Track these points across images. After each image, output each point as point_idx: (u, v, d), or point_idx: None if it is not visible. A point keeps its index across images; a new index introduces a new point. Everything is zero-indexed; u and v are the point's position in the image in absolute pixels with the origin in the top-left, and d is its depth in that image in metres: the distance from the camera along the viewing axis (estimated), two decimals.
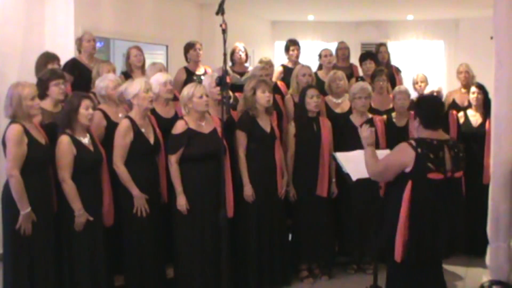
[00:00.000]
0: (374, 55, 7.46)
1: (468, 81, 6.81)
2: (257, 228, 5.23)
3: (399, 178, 3.86)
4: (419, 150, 3.78)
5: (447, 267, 5.66)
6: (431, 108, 3.98)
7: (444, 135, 3.96)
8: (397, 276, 4.01)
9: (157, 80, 5.25)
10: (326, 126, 5.61)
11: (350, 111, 5.92)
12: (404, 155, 3.83)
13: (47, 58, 5.72)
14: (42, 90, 4.73)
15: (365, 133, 4.19)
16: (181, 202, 4.80)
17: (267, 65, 6.57)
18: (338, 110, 6.06)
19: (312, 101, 5.49)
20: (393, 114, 6.00)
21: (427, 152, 3.78)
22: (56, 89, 4.87)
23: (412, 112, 6.01)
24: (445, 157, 3.82)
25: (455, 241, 3.97)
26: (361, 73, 7.30)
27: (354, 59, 7.69)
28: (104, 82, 5.06)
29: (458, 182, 3.97)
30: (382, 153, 4.28)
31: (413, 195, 3.77)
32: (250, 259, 5.25)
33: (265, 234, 5.27)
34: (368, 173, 4.14)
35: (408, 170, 3.80)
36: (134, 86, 4.81)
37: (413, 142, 3.85)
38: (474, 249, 5.92)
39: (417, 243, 3.77)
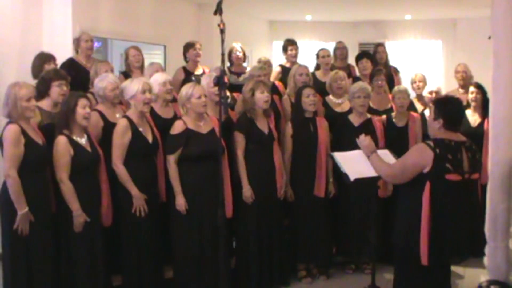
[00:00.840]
0: (370, 54, 7.46)
1: (465, 81, 6.82)
2: (256, 229, 5.23)
3: (416, 179, 3.83)
4: (437, 150, 3.76)
5: None
6: (455, 110, 3.97)
7: (462, 137, 3.94)
8: (404, 279, 4.00)
9: (156, 80, 5.24)
10: (322, 126, 5.62)
11: (350, 111, 5.92)
12: (422, 156, 3.80)
13: (43, 58, 5.71)
14: (43, 89, 4.74)
15: (365, 142, 4.20)
16: (180, 202, 4.79)
17: (266, 65, 6.56)
18: (338, 110, 6.07)
19: (308, 100, 5.49)
20: (393, 114, 6.00)
21: (445, 153, 3.76)
22: (58, 90, 4.85)
23: (412, 113, 6.05)
24: (463, 158, 3.81)
25: (476, 243, 3.97)
26: (358, 73, 7.31)
27: (352, 59, 7.69)
28: (103, 82, 5.05)
29: (475, 184, 3.95)
30: (381, 153, 4.28)
31: (432, 196, 3.75)
32: (249, 259, 5.24)
33: (264, 234, 5.27)
34: (384, 177, 4.14)
35: (426, 170, 3.78)
36: (132, 87, 4.80)
37: (431, 142, 3.83)
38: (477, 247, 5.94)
39: (440, 244, 3.76)
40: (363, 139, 4.26)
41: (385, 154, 4.38)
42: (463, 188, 3.81)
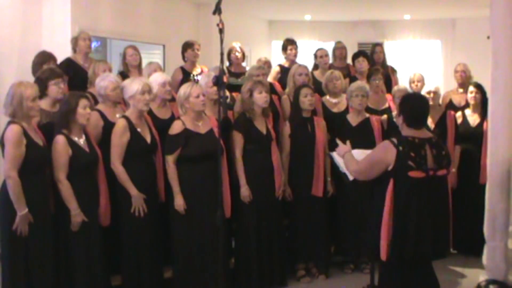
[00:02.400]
0: (367, 53, 7.47)
1: (464, 80, 6.82)
2: (255, 229, 5.23)
3: (382, 177, 3.88)
4: (400, 148, 3.80)
5: (443, 266, 5.69)
6: (415, 106, 3.99)
7: (427, 134, 3.97)
8: (388, 275, 4.02)
9: (156, 80, 5.24)
10: (320, 126, 5.62)
11: (347, 111, 5.92)
12: (386, 153, 3.85)
13: (43, 57, 5.70)
14: (41, 89, 4.72)
15: (340, 146, 4.35)
16: (179, 202, 4.80)
17: (265, 65, 6.56)
18: (335, 110, 6.07)
19: (306, 100, 5.50)
20: (394, 114, 6.01)
21: (408, 150, 3.80)
22: (55, 88, 4.86)
23: None
24: (427, 155, 3.82)
25: (441, 242, 3.97)
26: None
27: (351, 59, 7.70)
28: (104, 82, 5.05)
29: (442, 181, 3.95)
30: (361, 153, 4.33)
31: (395, 193, 3.78)
32: (248, 259, 5.24)
33: (263, 234, 5.27)
34: (351, 173, 4.20)
35: (390, 168, 3.82)
36: (132, 87, 4.80)
37: (394, 140, 3.87)
38: (471, 248, 5.94)
39: (401, 242, 3.78)
40: (339, 143, 4.39)
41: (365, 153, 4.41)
42: (427, 185, 3.82)
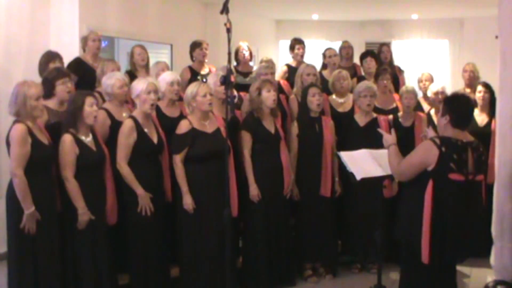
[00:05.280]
0: (375, 53, 7.45)
1: (472, 80, 6.79)
2: (262, 228, 5.24)
3: (420, 177, 3.83)
4: (443, 149, 3.75)
5: None
6: (464, 107, 3.93)
7: (469, 137, 3.91)
8: (411, 277, 3.99)
9: (164, 79, 5.25)
10: (328, 126, 5.61)
11: (353, 111, 5.91)
12: (428, 153, 3.79)
13: (49, 57, 5.71)
14: (48, 89, 4.73)
15: (385, 135, 4.24)
16: (188, 202, 4.80)
17: (270, 64, 6.56)
18: (341, 110, 6.07)
19: (314, 99, 5.49)
20: (399, 114, 5.99)
21: (451, 152, 3.75)
22: (63, 88, 4.88)
23: (418, 113, 6.04)
24: (468, 159, 3.79)
25: (477, 245, 3.96)
26: (363, 72, 7.30)
27: (358, 59, 7.68)
28: (111, 80, 5.05)
29: (479, 186, 3.92)
30: (383, 153, 4.29)
31: (435, 195, 3.74)
32: (256, 259, 5.25)
33: (270, 233, 5.27)
34: (392, 173, 4.13)
35: (430, 168, 3.77)
36: (138, 86, 4.81)
37: (437, 140, 3.81)
38: (478, 248, 5.92)
39: (441, 244, 3.75)
40: (382, 132, 4.31)
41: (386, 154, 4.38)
42: (466, 189, 3.79)
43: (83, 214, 4.43)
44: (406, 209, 3.95)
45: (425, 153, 3.81)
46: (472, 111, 4.08)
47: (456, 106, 3.90)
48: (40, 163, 4.32)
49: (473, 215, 3.85)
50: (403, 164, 3.96)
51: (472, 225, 3.84)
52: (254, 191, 5.18)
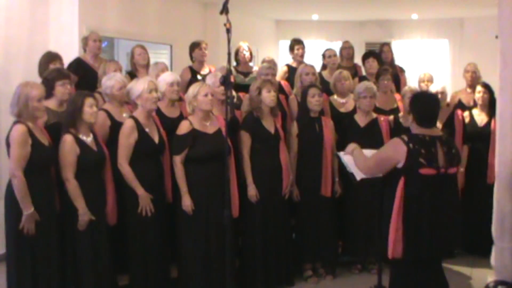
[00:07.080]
0: (377, 53, 7.45)
1: (474, 81, 6.78)
2: (262, 228, 5.23)
3: (393, 175, 3.87)
4: (410, 145, 3.80)
5: (452, 267, 5.68)
6: (425, 105, 3.98)
7: (437, 132, 3.97)
8: (397, 274, 4.01)
9: (164, 79, 5.26)
10: (328, 126, 5.61)
11: (354, 111, 5.91)
12: (396, 150, 3.85)
13: (49, 57, 5.71)
14: (47, 89, 4.73)
15: (347, 147, 4.38)
16: (187, 203, 4.79)
17: (272, 64, 6.56)
18: (342, 110, 6.06)
19: (314, 100, 5.49)
20: (400, 115, 5.98)
21: (418, 148, 3.79)
22: (62, 89, 4.88)
23: None
24: (438, 152, 3.82)
25: (453, 239, 3.97)
26: (364, 72, 7.29)
27: (359, 59, 7.68)
28: (110, 81, 5.06)
29: (452, 179, 3.95)
30: (368, 152, 4.33)
31: (406, 191, 3.78)
32: (255, 259, 5.24)
33: (270, 234, 5.26)
34: (360, 170, 4.20)
35: (400, 165, 3.82)
36: (138, 86, 4.81)
37: (405, 137, 3.87)
38: (479, 249, 5.91)
39: (413, 240, 3.77)
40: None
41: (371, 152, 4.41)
42: (438, 182, 3.82)
43: (84, 215, 4.42)
44: (383, 208, 3.98)
45: (393, 150, 3.88)
46: (437, 108, 4.04)
47: (419, 106, 3.98)
48: (40, 164, 4.32)
49: (448, 209, 3.87)
50: (371, 159, 4.07)
51: (447, 219, 3.85)
52: (252, 191, 5.17)
